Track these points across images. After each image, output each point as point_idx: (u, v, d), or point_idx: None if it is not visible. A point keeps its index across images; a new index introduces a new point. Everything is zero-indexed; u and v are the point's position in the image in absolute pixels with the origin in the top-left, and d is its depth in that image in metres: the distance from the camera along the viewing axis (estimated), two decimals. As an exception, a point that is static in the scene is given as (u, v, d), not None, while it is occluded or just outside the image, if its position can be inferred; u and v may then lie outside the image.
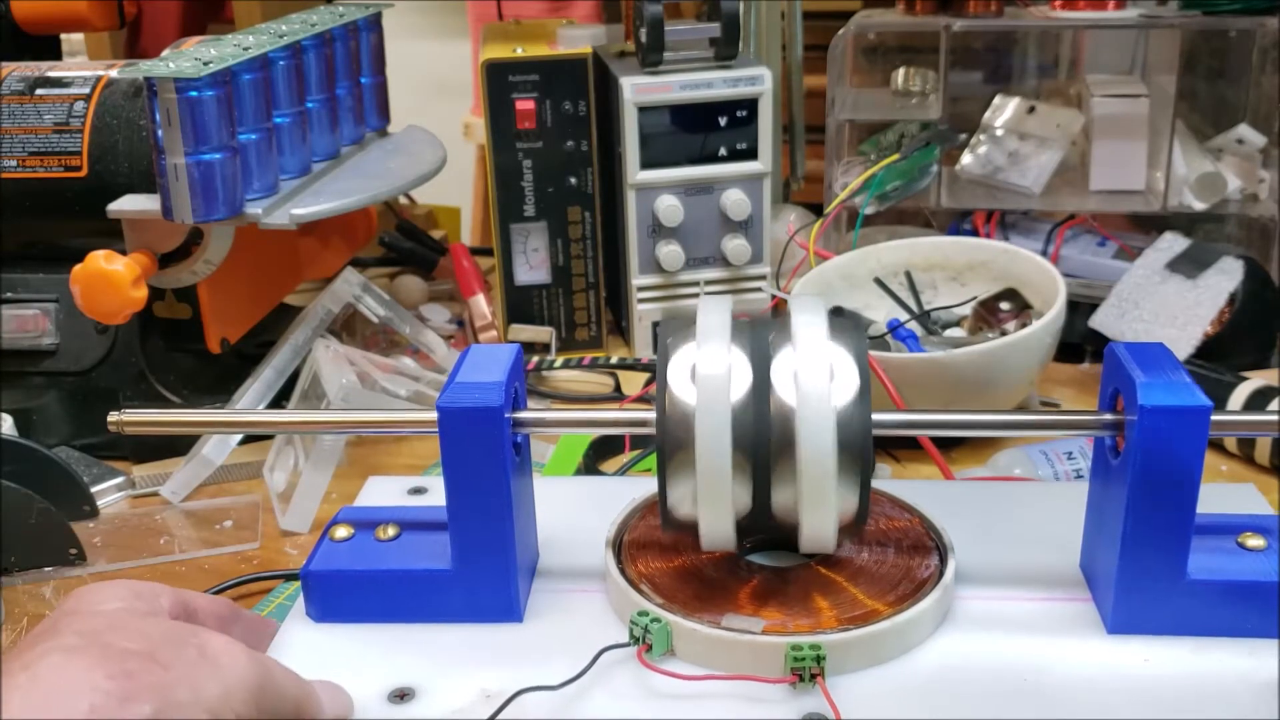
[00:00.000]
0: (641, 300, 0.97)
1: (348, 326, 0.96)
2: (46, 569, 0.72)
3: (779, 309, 0.97)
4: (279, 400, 0.85)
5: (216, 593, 0.68)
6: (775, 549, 0.56)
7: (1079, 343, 0.95)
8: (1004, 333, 0.86)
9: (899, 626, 0.50)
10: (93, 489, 0.79)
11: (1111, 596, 0.51)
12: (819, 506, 0.49)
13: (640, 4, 0.91)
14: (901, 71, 1.08)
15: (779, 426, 0.49)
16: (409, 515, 0.57)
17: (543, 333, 0.98)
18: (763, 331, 0.51)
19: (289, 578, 0.69)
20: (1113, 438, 0.52)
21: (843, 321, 0.51)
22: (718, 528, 0.50)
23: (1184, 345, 0.86)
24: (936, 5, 1.05)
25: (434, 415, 0.51)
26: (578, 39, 0.95)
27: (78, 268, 0.76)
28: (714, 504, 0.50)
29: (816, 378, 0.48)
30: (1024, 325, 0.84)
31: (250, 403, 0.83)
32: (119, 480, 0.82)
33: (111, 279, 0.76)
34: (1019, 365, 0.81)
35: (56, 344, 0.86)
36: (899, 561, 0.54)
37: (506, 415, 0.52)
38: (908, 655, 0.50)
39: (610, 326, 1.02)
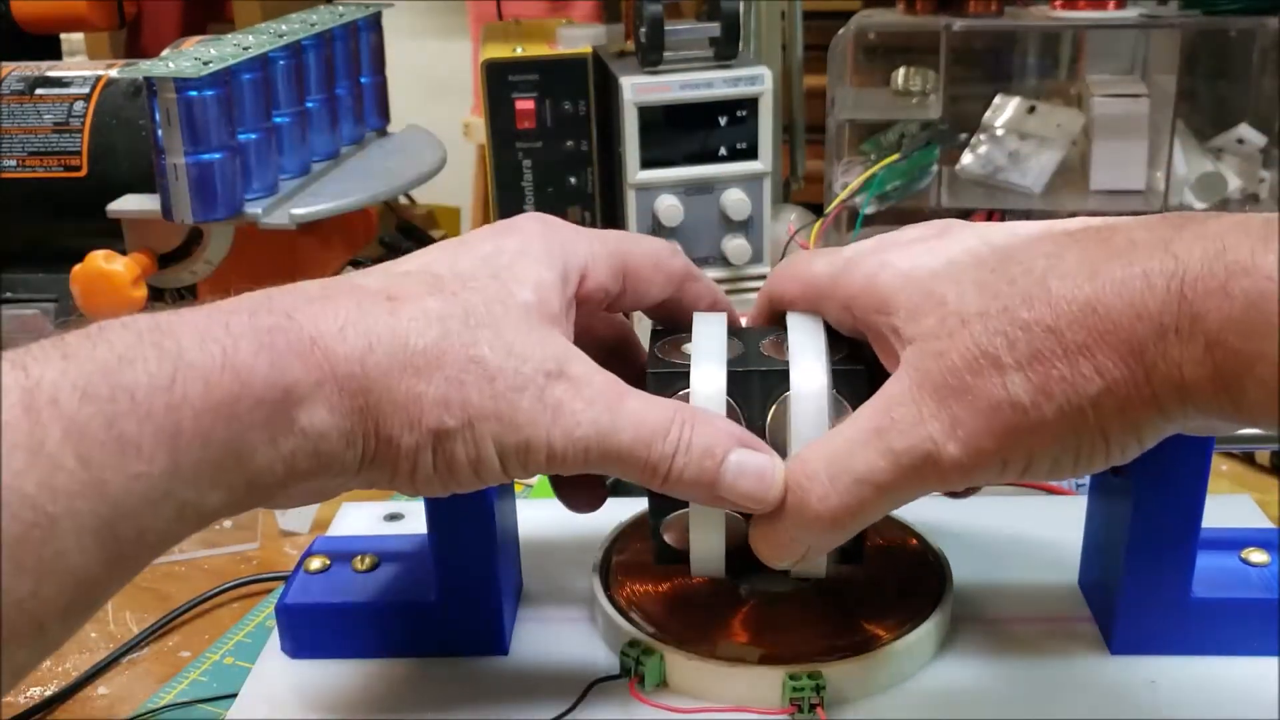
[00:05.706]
0: (641, 300, 0.97)
1: (348, 326, 0.96)
2: (46, 569, 0.72)
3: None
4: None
5: (217, 594, 0.68)
6: (766, 571, 0.54)
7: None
8: (1004, 333, 0.85)
9: (899, 652, 0.49)
10: (93, 489, 0.79)
11: (1114, 617, 0.50)
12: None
13: (640, 4, 0.91)
14: (901, 71, 1.08)
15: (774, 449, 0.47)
16: (387, 545, 0.55)
17: (543, 333, 0.98)
18: (755, 342, 0.50)
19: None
20: None
21: (841, 344, 0.49)
22: (708, 556, 0.49)
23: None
24: (936, 5, 1.05)
25: None
26: (578, 39, 0.95)
27: (78, 268, 0.76)
28: (706, 531, 0.48)
29: (812, 409, 0.46)
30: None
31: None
32: (119, 480, 0.81)
33: (111, 279, 0.76)
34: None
35: (56, 344, 0.86)
36: (895, 583, 0.53)
37: None
38: (908, 682, 0.49)
39: (610, 326, 1.02)
